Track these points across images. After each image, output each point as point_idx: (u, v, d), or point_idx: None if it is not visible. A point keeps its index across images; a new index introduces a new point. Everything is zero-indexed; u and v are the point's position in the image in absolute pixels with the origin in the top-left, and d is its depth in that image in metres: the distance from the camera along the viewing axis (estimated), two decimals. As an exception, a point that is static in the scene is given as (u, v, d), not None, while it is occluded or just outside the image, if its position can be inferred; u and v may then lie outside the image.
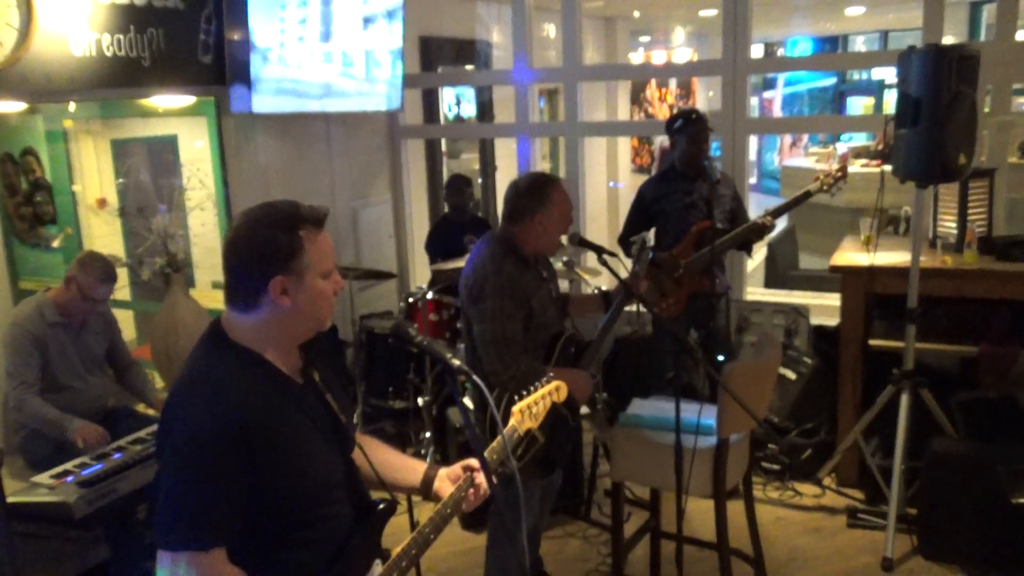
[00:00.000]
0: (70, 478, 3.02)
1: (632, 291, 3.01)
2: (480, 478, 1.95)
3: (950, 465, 3.58)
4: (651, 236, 4.20)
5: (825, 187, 4.03)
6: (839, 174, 4.04)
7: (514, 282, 2.85)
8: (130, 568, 3.19)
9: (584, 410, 4.14)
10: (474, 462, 1.96)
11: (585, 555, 3.83)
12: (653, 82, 11.46)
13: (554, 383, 2.27)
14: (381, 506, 1.85)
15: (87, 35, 3.55)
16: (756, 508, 3.41)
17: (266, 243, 1.65)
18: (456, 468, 1.99)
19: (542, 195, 2.88)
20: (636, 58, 11.83)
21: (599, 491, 4.26)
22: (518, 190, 2.93)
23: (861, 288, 4.10)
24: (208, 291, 5.14)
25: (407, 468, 2.02)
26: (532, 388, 2.21)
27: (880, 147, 10.00)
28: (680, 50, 12.40)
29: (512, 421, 2.12)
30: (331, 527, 1.74)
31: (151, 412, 3.75)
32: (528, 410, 2.16)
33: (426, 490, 1.99)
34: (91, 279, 3.40)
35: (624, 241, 4.38)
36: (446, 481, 1.97)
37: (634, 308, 4.81)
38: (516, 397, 2.17)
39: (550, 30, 7.83)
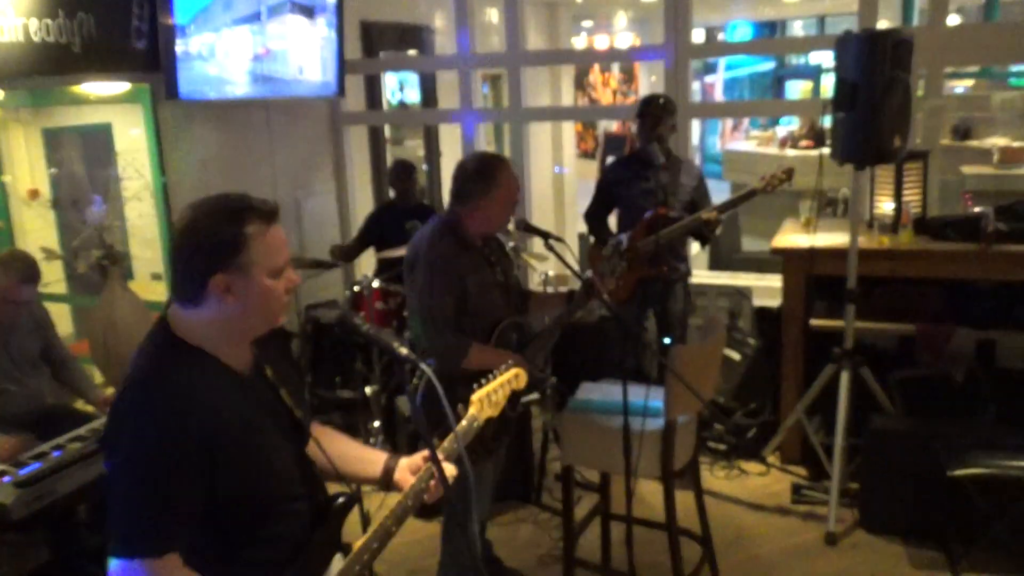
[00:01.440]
0: (7, 478, 2.93)
1: (598, 293, 2.99)
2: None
3: (889, 441, 3.68)
4: (624, 239, 4.21)
5: (770, 188, 4.06)
6: (784, 176, 4.07)
7: (447, 260, 2.86)
8: (72, 571, 3.11)
9: (533, 395, 4.14)
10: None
11: (537, 540, 3.85)
12: (596, 67, 11.51)
13: (513, 370, 2.25)
14: (340, 500, 1.83)
15: (13, 20, 3.43)
16: (704, 488, 3.46)
17: (207, 238, 1.58)
18: (416, 458, 1.96)
19: (489, 177, 2.88)
20: (579, 43, 11.84)
21: (550, 476, 4.28)
22: (466, 171, 2.92)
23: (802, 269, 4.17)
24: (148, 283, 5.02)
25: (366, 460, 1.98)
26: (491, 376, 2.20)
27: (805, 131, 10.22)
28: (622, 35, 12.45)
29: (471, 410, 2.11)
30: (289, 523, 1.72)
31: (91, 409, 3.65)
32: (487, 398, 2.14)
33: (386, 481, 1.95)
34: (12, 281, 3.27)
35: (589, 217, 4.44)
36: (406, 472, 1.94)
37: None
38: (475, 385, 2.15)
39: (492, 15, 7.79)
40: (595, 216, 4.45)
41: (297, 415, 1.79)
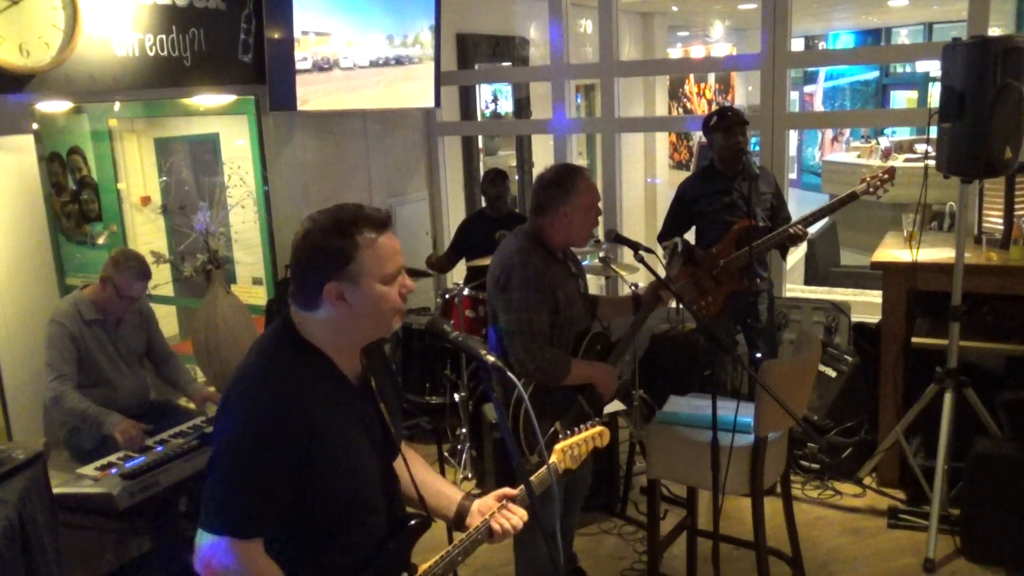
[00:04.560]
0: (114, 470, 3.09)
1: (662, 295, 3.02)
2: (507, 518, 1.92)
3: (995, 465, 3.51)
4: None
5: (872, 189, 3.96)
6: (885, 176, 3.96)
7: (540, 274, 2.86)
8: (170, 560, 3.25)
9: (620, 407, 4.12)
10: (510, 491, 1.96)
11: (621, 552, 3.82)
12: (691, 77, 11.38)
13: (598, 428, 2.27)
14: (414, 522, 1.86)
15: (130, 36, 3.61)
16: (795, 507, 3.37)
17: (319, 249, 1.64)
18: (489, 500, 1.97)
19: (566, 186, 2.88)
20: (674, 53, 11.74)
21: (635, 488, 4.24)
22: (543, 182, 2.94)
23: (903, 285, 4.03)
24: (249, 287, 5.21)
25: (442, 495, 2.00)
26: (578, 429, 2.22)
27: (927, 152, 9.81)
28: (719, 44, 12.29)
29: (553, 458, 2.13)
30: (365, 534, 1.75)
31: (192, 406, 3.80)
32: (570, 451, 2.17)
33: (458, 521, 1.97)
34: (125, 278, 3.44)
35: (663, 240, 4.36)
36: (477, 516, 1.95)
37: (673, 306, 4.79)
38: (560, 436, 2.18)
39: (587, 26, 7.80)
40: (672, 236, 4.35)
41: (391, 430, 1.83)
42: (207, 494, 1.60)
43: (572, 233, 2.94)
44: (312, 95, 4.38)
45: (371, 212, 1.68)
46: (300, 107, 4.35)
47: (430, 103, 5.29)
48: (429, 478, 2.01)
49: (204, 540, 1.58)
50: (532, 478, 2.02)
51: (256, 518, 1.59)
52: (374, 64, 4.74)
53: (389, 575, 1.80)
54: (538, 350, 2.82)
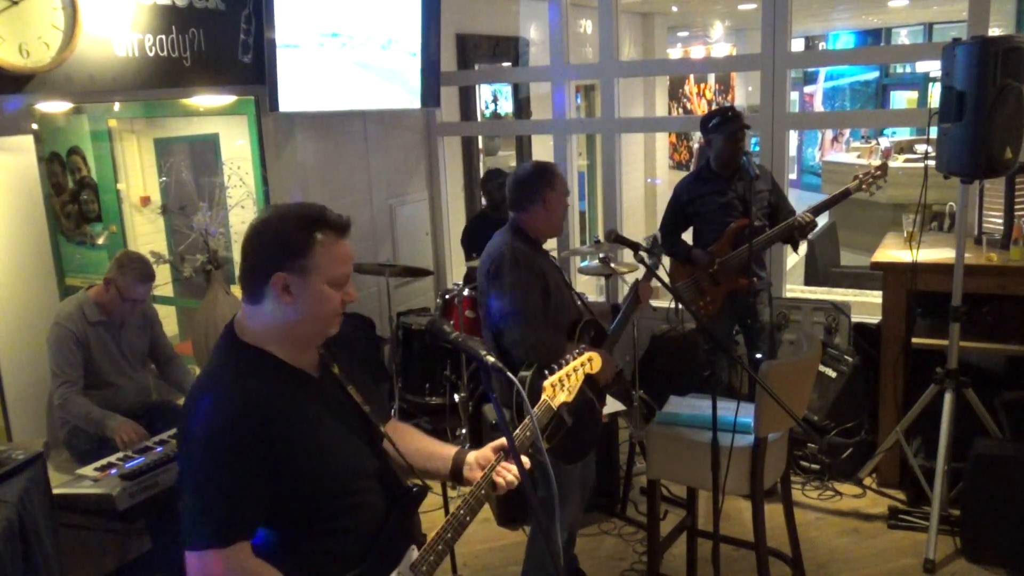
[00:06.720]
0: (114, 471, 3.09)
1: (640, 295, 3.19)
2: (508, 470, 1.89)
3: (995, 466, 3.51)
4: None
5: (864, 186, 3.97)
6: (878, 172, 3.98)
7: (530, 258, 2.99)
8: (170, 560, 3.24)
9: (620, 407, 4.13)
10: (505, 443, 1.92)
11: (620, 553, 3.82)
12: (691, 77, 11.38)
13: (586, 355, 2.19)
14: (412, 490, 1.85)
15: (130, 36, 3.61)
16: (795, 508, 3.37)
17: (276, 237, 1.66)
18: (486, 451, 1.96)
19: (546, 178, 3.05)
20: (674, 53, 11.74)
21: (635, 489, 4.24)
22: (522, 178, 3.08)
23: (904, 285, 4.03)
24: (248, 288, 5.19)
25: (435, 455, 2.00)
26: (563, 361, 2.14)
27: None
28: (719, 45, 12.29)
29: (544, 395, 2.06)
30: (361, 516, 1.75)
31: (192, 407, 3.79)
32: (560, 383, 2.09)
33: (456, 475, 1.96)
34: (129, 280, 3.45)
35: (662, 240, 4.37)
36: (475, 466, 1.94)
37: (671, 306, 4.80)
38: (547, 372, 2.11)
39: (587, 26, 7.80)
40: (670, 237, 4.36)
41: (366, 411, 1.83)
42: (184, 515, 1.60)
43: (552, 223, 3.08)
44: (312, 95, 4.38)
45: (334, 215, 1.70)
46: (299, 107, 4.35)
47: (436, 103, 5.30)
48: (420, 443, 2.02)
49: (190, 559, 1.59)
50: (526, 420, 1.98)
51: (230, 524, 1.59)
52: (377, 65, 4.73)
53: (395, 550, 1.80)
54: (533, 329, 2.91)
